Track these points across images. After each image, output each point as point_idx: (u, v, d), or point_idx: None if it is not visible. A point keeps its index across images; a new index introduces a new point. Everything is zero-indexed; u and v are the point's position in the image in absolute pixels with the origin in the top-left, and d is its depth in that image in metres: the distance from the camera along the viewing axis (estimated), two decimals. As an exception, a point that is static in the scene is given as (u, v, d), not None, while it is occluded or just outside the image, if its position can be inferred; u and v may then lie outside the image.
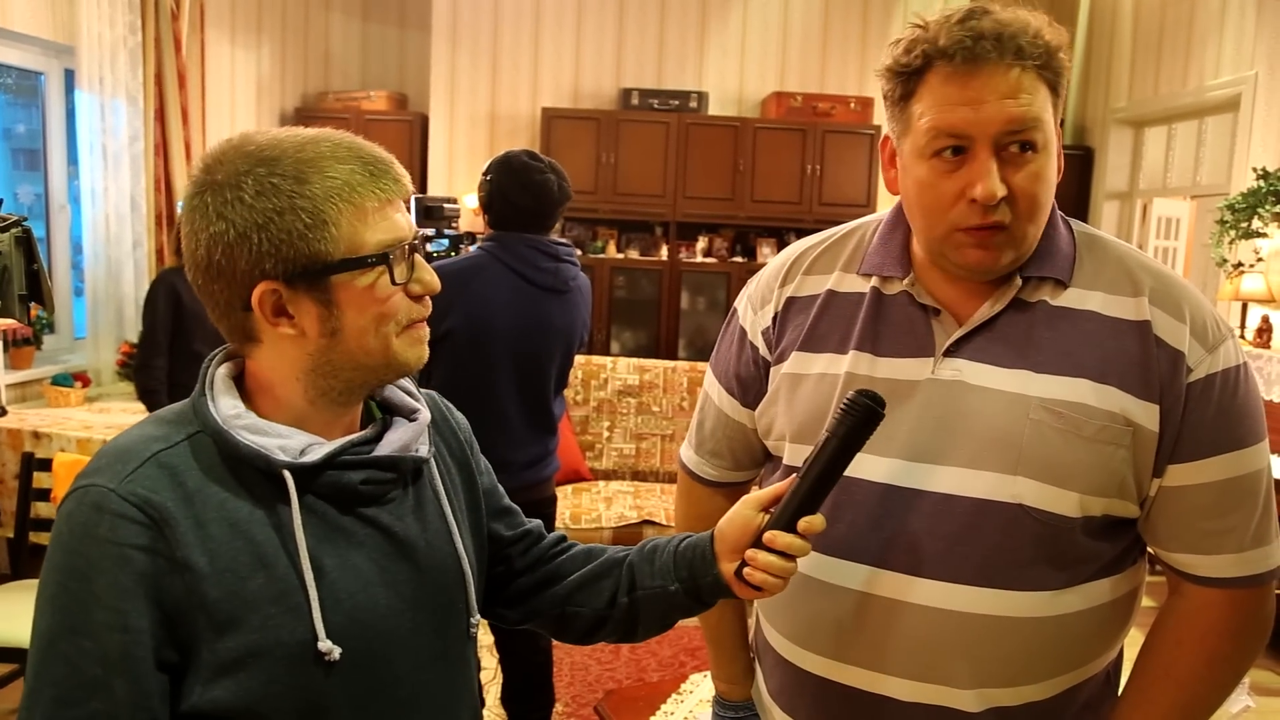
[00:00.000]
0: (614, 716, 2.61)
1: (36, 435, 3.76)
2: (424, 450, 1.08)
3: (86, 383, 4.39)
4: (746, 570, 1.09)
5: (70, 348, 4.74)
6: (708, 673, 2.90)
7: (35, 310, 4.17)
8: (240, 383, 1.02)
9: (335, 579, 0.97)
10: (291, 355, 0.98)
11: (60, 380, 4.27)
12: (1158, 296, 1.15)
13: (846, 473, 1.16)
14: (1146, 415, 1.12)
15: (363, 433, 1.04)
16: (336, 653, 0.94)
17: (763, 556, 1.08)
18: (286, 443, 0.97)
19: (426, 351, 1.04)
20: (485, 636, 3.33)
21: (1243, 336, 5.02)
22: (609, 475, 4.90)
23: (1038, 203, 1.11)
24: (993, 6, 1.10)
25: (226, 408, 0.98)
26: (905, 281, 1.21)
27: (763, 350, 1.32)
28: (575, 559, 1.25)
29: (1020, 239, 1.12)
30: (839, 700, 1.23)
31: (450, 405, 1.25)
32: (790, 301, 1.30)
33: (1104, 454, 1.12)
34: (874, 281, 1.24)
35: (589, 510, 4.30)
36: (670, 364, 5.10)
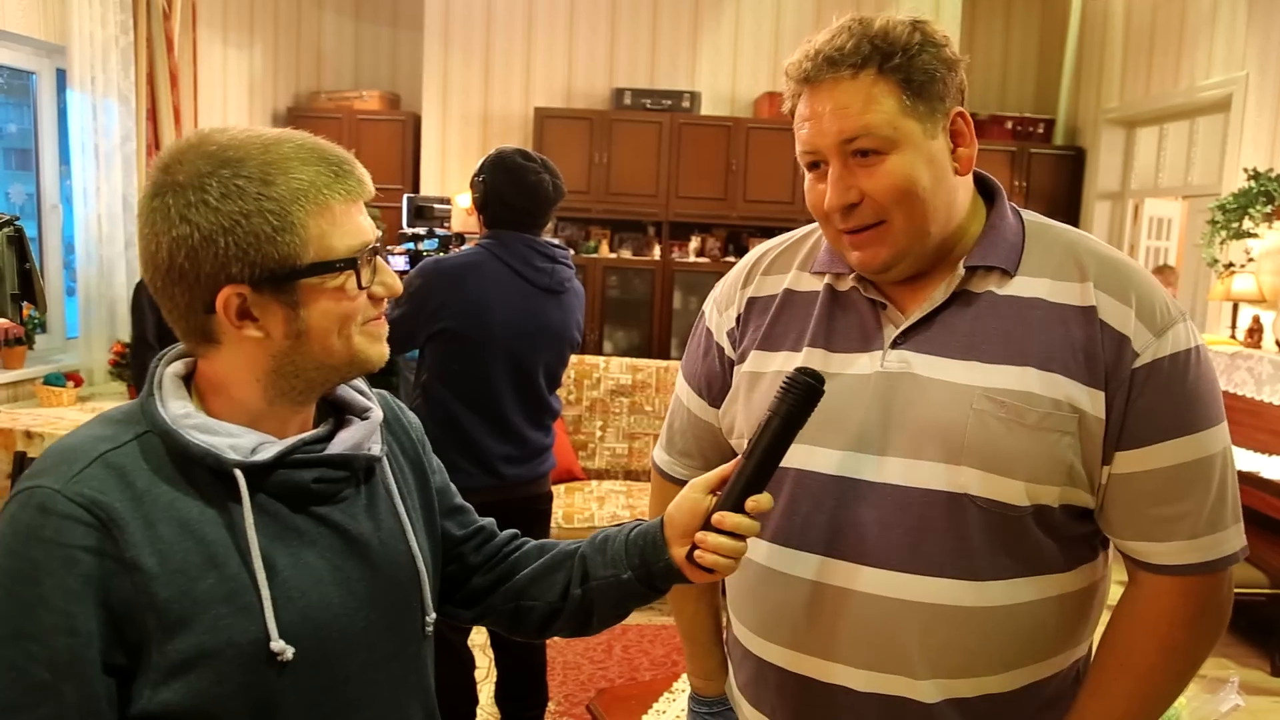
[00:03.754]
0: (606, 715, 2.61)
1: (29, 435, 3.75)
2: (376, 449, 1.07)
3: (79, 382, 4.37)
4: (697, 553, 1.10)
5: (62, 347, 4.73)
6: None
7: (27, 309, 4.17)
8: (190, 381, 1.01)
9: (288, 578, 0.96)
10: (253, 357, 0.97)
11: (52, 380, 4.26)
12: (1104, 281, 1.15)
13: (801, 465, 1.20)
14: (1092, 402, 1.12)
15: (314, 431, 1.03)
16: (290, 652, 0.94)
17: (712, 538, 1.09)
18: (237, 441, 0.96)
19: (387, 348, 1.04)
20: (480, 635, 3.33)
21: (1233, 337, 5.04)
22: (602, 475, 4.91)
23: (902, 200, 1.13)
24: (867, 16, 1.14)
25: (176, 408, 0.97)
26: (852, 277, 1.23)
27: (728, 350, 1.34)
28: (528, 554, 1.25)
29: (899, 235, 1.14)
30: (798, 690, 1.24)
31: (402, 405, 1.23)
32: (751, 302, 1.33)
33: (1048, 441, 1.12)
34: (827, 279, 1.27)
35: (582, 510, 4.31)
36: (663, 363, 5.11)
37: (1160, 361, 1.12)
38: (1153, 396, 1.12)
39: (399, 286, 1.02)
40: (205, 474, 0.95)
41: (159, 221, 0.93)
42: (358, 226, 0.97)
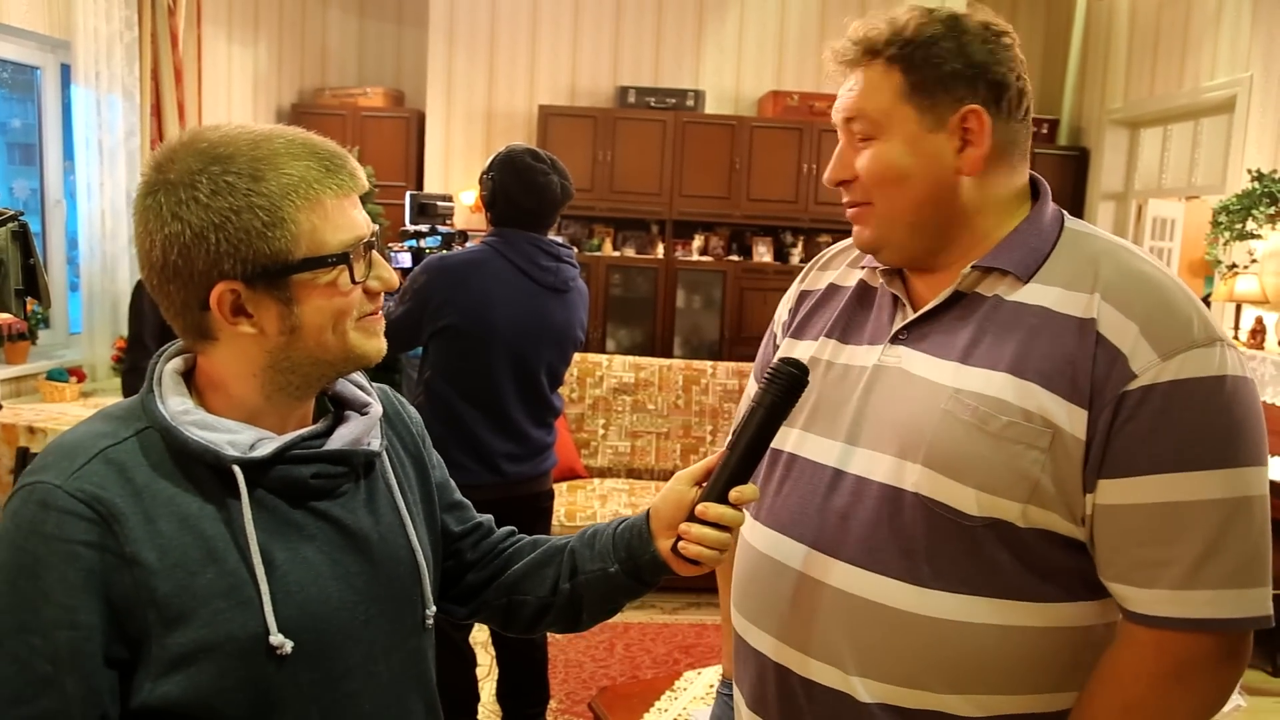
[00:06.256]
0: (608, 713, 2.61)
1: (31, 430, 3.75)
2: (375, 444, 1.08)
3: (81, 378, 4.38)
4: (680, 544, 1.11)
5: (65, 343, 4.73)
6: (701, 670, 2.91)
7: (31, 305, 4.17)
8: (190, 378, 1.03)
9: (286, 572, 0.97)
10: (249, 353, 0.98)
11: (55, 375, 4.26)
12: (1113, 294, 1.06)
13: (795, 451, 1.23)
14: (1070, 419, 1.04)
15: (313, 427, 1.04)
16: (288, 646, 0.95)
17: (695, 529, 1.09)
18: (236, 438, 0.97)
19: (384, 343, 1.04)
20: (481, 633, 3.33)
21: (1236, 338, 5.04)
22: (604, 473, 4.91)
23: (881, 186, 1.16)
24: (911, 5, 1.16)
25: (175, 404, 0.98)
26: (878, 270, 1.25)
27: (779, 342, 1.38)
28: (521, 550, 1.26)
29: (880, 219, 1.17)
30: (763, 671, 1.24)
31: (403, 399, 1.25)
32: (803, 295, 1.38)
33: (1010, 452, 1.05)
34: (863, 272, 1.29)
35: (584, 508, 4.31)
36: (666, 362, 5.11)
37: (1161, 386, 1.01)
38: (1146, 423, 1.01)
39: (395, 280, 1.03)
40: (204, 470, 0.96)
41: (152, 220, 0.94)
42: (351, 220, 0.98)
